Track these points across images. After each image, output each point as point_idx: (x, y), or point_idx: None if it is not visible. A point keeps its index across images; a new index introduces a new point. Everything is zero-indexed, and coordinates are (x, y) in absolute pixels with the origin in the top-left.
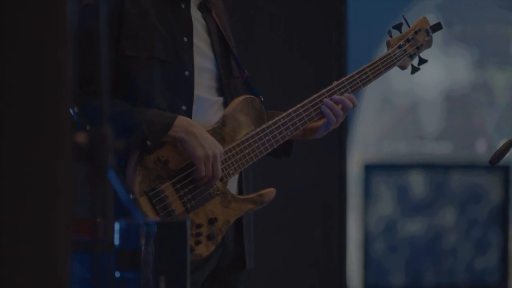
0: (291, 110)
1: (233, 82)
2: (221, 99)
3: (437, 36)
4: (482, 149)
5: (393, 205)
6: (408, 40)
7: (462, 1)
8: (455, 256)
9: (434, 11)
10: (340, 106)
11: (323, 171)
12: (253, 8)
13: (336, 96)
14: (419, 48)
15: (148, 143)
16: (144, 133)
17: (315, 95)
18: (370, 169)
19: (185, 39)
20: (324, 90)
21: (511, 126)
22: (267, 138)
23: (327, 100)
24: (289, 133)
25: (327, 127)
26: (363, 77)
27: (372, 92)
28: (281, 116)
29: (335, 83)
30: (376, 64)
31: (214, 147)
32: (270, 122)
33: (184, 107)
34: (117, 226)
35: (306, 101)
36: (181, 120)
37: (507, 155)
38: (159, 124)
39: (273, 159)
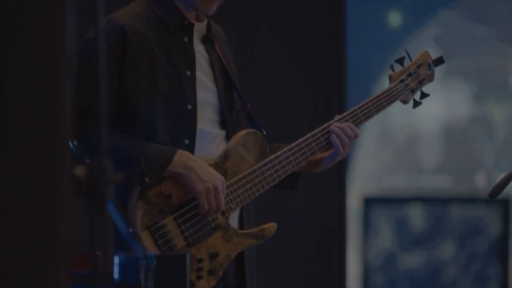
0: (293, 144)
1: (236, 115)
2: (223, 132)
3: (436, 69)
4: (481, 183)
5: (392, 238)
6: (410, 75)
7: (460, 34)
8: None
9: (433, 44)
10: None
11: (322, 204)
12: (251, 34)
13: (338, 124)
14: (421, 83)
15: (147, 179)
16: (142, 169)
17: (317, 129)
18: (370, 203)
19: (188, 72)
20: (326, 124)
21: (510, 159)
22: (269, 172)
23: (333, 127)
24: (291, 168)
25: (334, 158)
26: (366, 111)
27: (371, 126)
28: (283, 151)
29: (337, 116)
30: (379, 98)
31: (214, 179)
32: (272, 157)
33: (186, 141)
34: (116, 259)
35: (308, 135)
36: (180, 155)
37: (507, 188)
38: (158, 160)
39: (274, 192)
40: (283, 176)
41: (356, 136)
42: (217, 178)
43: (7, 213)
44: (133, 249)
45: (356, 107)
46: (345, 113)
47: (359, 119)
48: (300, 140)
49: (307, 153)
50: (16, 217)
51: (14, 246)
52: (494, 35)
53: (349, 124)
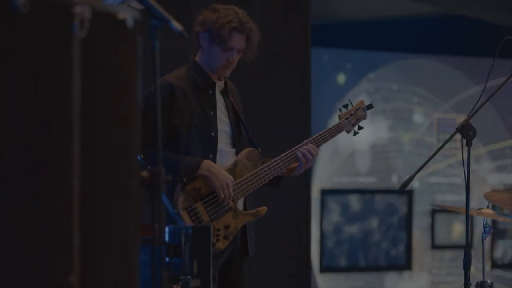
0: (277, 158)
1: (242, 139)
2: (234, 150)
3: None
4: (395, 180)
5: (339, 216)
6: (351, 114)
7: (383, 88)
8: (377, 247)
9: (365, 94)
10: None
11: (295, 194)
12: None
13: (305, 146)
14: (359, 120)
15: (184, 180)
16: (181, 173)
17: (292, 149)
18: (325, 193)
19: (212, 113)
20: (298, 145)
21: (413, 166)
22: (262, 175)
23: (300, 149)
24: (275, 172)
25: (300, 169)
26: (324, 137)
27: (327, 144)
28: (271, 162)
29: (305, 140)
30: (332, 129)
31: (227, 179)
32: (264, 165)
33: (211, 155)
34: (167, 229)
35: (287, 152)
36: (205, 163)
37: (410, 184)
38: (191, 167)
39: (264, 188)
40: (271, 178)
41: (316, 154)
42: (228, 178)
43: (104, 200)
44: (177, 223)
45: (317, 134)
46: (310, 138)
47: (319, 142)
48: (282, 155)
49: (286, 163)
50: (108, 199)
51: (108, 220)
52: (403, 89)
53: (313, 146)
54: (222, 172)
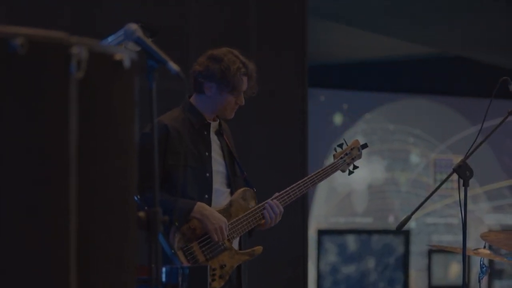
0: (256, 206)
1: (237, 179)
2: (229, 190)
3: (363, 150)
4: (391, 220)
5: (336, 256)
6: (346, 154)
7: (378, 128)
8: (374, 287)
9: (361, 135)
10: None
11: (293, 234)
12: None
13: (270, 202)
14: (353, 159)
15: (176, 223)
16: (174, 217)
17: (287, 188)
18: (322, 233)
19: (207, 153)
20: (290, 187)
21: (410, 207)
22: (257, 215)
23: (266, 205)
24: (256, 221)
25: (266, 225)
26: (320, 176)
27: (323, 185)
28: (264, 202)
29: (311, 174)
30: (327, 168)
31: (220, 221)
32: (256, 206)
33: (206, 196)
34: (164, 269)
35: (277, 194)
36: (198, 206)
37: (407, 224)
38: (184, 210)
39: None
40: (260, 221)
41: (281, 212)
42: (222, 221)
43: (101, 241)
44: (174, 263)
45: (313, 173)
46: (306, 177)
47: (314, 181)
48: (254, 207)
49: (258, 217)
50: (105, 241)
51: (105, 261)
52: (399, 129)
53: (277, 202)
54: (215, 215)
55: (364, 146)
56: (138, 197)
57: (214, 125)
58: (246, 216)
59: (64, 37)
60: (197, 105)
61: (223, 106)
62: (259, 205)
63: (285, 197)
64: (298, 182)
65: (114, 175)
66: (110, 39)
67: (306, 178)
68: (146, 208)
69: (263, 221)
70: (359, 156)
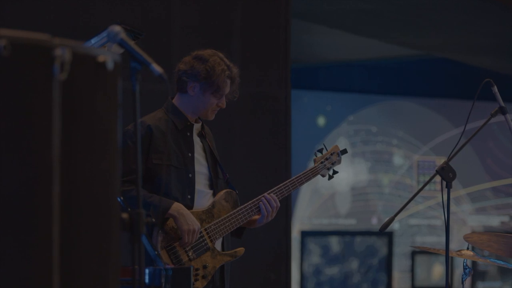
0: (254, 199)
1: (219, 181)
2: (211, 191)
3: (348, 151)
4: (374, 222)
5: (319, 257)
6: (327, 159)
7: (361, 131)
8: None
9: (344, 137)
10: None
11: (276, 235)
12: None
13: (267, 196)
14: (333, 164)
15: (153, 220)
16: (152, 213)
17: (256, 198)
18: (305, 234)
19: (190, 154)
20: (261, 195)
21: (393, 208)
22: (239, 216)
23: (263, 199)
24: (252, 214)
25: (262, 220)
26: (299, 180)
27: (306, 186)
28: (247, 203)
29: (292, 177)
30: (308, 172)
31: (195, 224)
32: (239, 208)
33: (189, 196)
34: (147, 270)
35: (253, 200)
36: (176, 205)
37: (390, 226)
38: (162, 207)
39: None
40: (248, 219)
41: (277, 207)
42: (196, 224)
43: (84, 243)
44: (157, 264)
45: (294, 177)
46: (287, 181)
47: (295, 185)
48: (248, 202)
49: (250, 213)
50: (88, 243)
51: (88, 263)
52: (382, 131)
53: (274, 196)
54: (191, 217)
55: (344, 151)
56: (121, 198)
57: (196, 127)
58: (228, 217)
59: (47, 39)
60: (179, 106)
61: (205, 107)
62: (251, 201)
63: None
64: (280, 185)
65: (97, 176)
66: (93, 41)
67: (287, 181)
68: (129, 209)
69: (256, 216)
70: (339, 162)
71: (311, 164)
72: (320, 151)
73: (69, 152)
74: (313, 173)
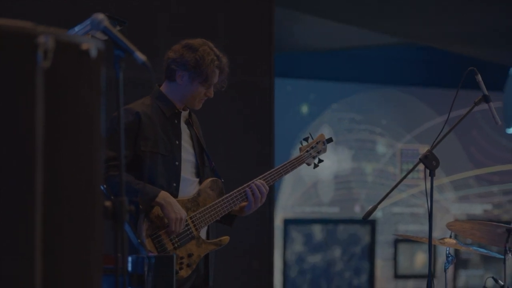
0: (239, 188)
1: (205, 169)
2: (197, 179)
3: (331, 140)
4: (358, 210)
5: (302, 245)
6: (312, 148)
7: (344, 119)
8: (340, 277)
9: (327, 125)
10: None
11: (259, 223)
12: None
13: (257, 182)
14: (319, 153)
15: (141, 207)
16: (139, 200)
17: (244, 185)
18: (288, 223)
19: (177, 142)
20: (250, 182)
21: (376, 196)
22: (225, 205)
23: (252, 185)
24: (237, 203)
25: (250, 207)
26: (285, 169)
27: (289, 174)
28: (232, 192)
29: (277, 166)
30: (293, 161)
31: (181, 213)
32: (224, 196)
33: (174, 184)
34: (130, 258)
35: (239, 188)
36: (162, 193)
37: (373, 214)
38: (149, 195)
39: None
40: (234, 207)
41: (267, 191)
42: (183, 213)
43: (67, 231)
44: (140, 252)
45: (279, 166)
46: (272, 170)
47: (281, 173)
48: (235, 190)
49: (236, 201)
50: (71, 231)
51: (71, 251)
52: (366, 119)
53: (263, 182)
54: (177, 206)
55: (329, 140)
56: (105, 186)
57: (184, 115)
58: (213, 206)
59: (30, 26)
60: (167, 93)
61: (192, 96)
62: (237, 190)
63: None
64: (265, 174)
65: (80, 164)
66: (76, 28)
67: (272, 170)
68: (112, 197)
69: (244, 203)
70: (324, 150)
71: (295, 152)
72: (306, 139)
73: (53, 140)
74: (298, 162)
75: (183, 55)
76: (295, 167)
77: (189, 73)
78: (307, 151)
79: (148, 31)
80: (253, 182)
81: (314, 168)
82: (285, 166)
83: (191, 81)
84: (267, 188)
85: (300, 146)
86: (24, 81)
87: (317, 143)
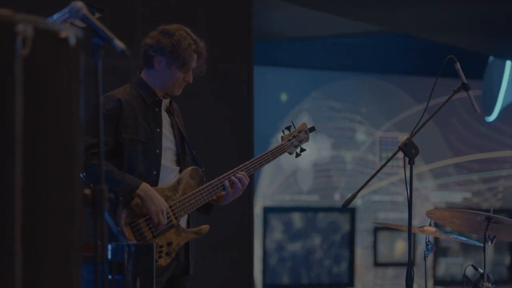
0: (220, 177)
1: (186, 158)
2: (178, 168)
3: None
4: (337, 198)
5: (281, 233)
6: (294, 136)
7: (324, 107)
8: (320, 265)
9: (306, 113)
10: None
11: (239, 212)
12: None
13: (237, 174)
14: (301, 142)
15: (120, 198)
16: (120, 190)
17: (224, 174)
18: (268, 211)
19: (158, 129)
20: (230, 171)
21: (355, 184)
22: (205, 193)
23: (232, 177)
24: (218, 191)
25: (227, 198)
26: (266, 158)
27: (269, 164)
28: (213, 181)
29: (258, 156)
30: (274, 150)
31: (162, 204)
32: (207, 184)
33: (155, 172)
34: (110, 246)
35: (225, 174)
36: (143, 185)
37: (353, 202)
38: (130, 186)
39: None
40: (214, 196)
41: (248, 182)
42: (164, 204)
43: (47, 220)
44: (120, 240)
45: (259, 155)
46: (252, 159)
47: (262, 162)
48: (220, 177)
49: (216, 190)
50: (50, 221)
51: (50, 239)
52: (345, 108)
53: (244, 174)
54: (158, 197)
55: (312, 129)
56: (84, 174)
57: (165, 103)
58: (194, 194)
59: (9, 14)
60: (147, 81)
61: (171, 82)
62: (217, 179)
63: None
64: (246, 163)
65: (60, 152)
66: (55, 16)
67: (253, 159)
68: (91, 185)
69: (223, 192)
70: (307, 139)
71: (274, 140)
72: (288, 128)
73: (32, 128)
74: (280, 151)
75: (159, 41)
76: (276, 156)
77: (166, 58)
78: (288, 140)
79: (126, 19)
80: (234, 174)
81: (296, 157)
82: (266, 155)
83: (169, 66)
84: (248, 179)
85: (282, 135)
86: (3, 69)
87: (299, 132)
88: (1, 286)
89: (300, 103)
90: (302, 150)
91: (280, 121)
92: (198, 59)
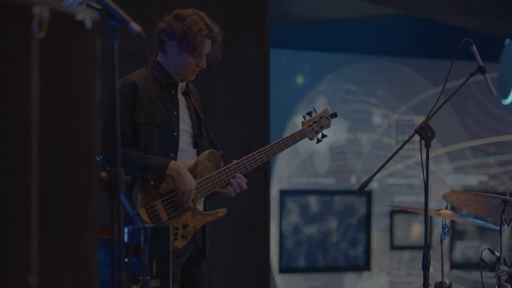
0: (243, 158)
1: (203, 140)
2: (195, 150)
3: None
4: (353, 181)
5: (298, 216)
6: (315, 122)
7: (340, 90)
8: (336, 248)
9: (322, 96)
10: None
11: (256, 195)
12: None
13: (237, 179)
14: (322, 128)
15: (152, 182)
16: (150, 175)
17: (250, 154)
18: (284, 194)
19: (175, 112)
20: (256, 151)
21: (371, 167)
22: (222, 177)
23: (233, 181)
24: (231, 177)
25: (229, 193)
26: (286, 143)
27: None
28: (231, 164)
29: (278, 140)
30: (295, 135)
31: (192, 184)
32: (222, 168)
33: (172, 155)
34: (126, 229)
35: (244, 157)
36: (173, 163)
37: (369, 185)
38: (160, 168)
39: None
40: (231, 179)
41: (245, 188)
42: (193, 184)
43: (62, 201)
44: (136, 223)
45: (279, 139)
46: (272, 143)
47: (281, 147)
48: (250, 155)
49: (252, 164)
50: (66, 203)
51: (67, 223)
52: (361, 90)
53: (244, 179)
54: (188, 176)
55: (334, 115)
56: (100, 157)
57: (181, 85)
58: (211, 177)
59: None
60: (163, 64)
61: (184, 67)
62: (225, 168)
63: (251, 161)
64: (265, 147)
65: (76, 135)
66: None
67: (273, 143)
68: (108, 168)
69: (224, 191)
70: (328, 125)
71: (290, 124)
72: (309, 114)
73: (48, 111)
74: (300, 136)
75: (171, 25)
76: (297, 141)
77: (177, 43)
78: (309, 126)
79: (141, 3)
80: (236, 173)
81: (317, 143)
82: (286, 139)
83: (180, 51)
84: (245, 180)
85: (303, 120)
86: (19, 51)
87: (320, 117)
88: (18, 269)
89: (316, 86)
90: (324, 136)
91: (296, 104)
92: (212, 45)
